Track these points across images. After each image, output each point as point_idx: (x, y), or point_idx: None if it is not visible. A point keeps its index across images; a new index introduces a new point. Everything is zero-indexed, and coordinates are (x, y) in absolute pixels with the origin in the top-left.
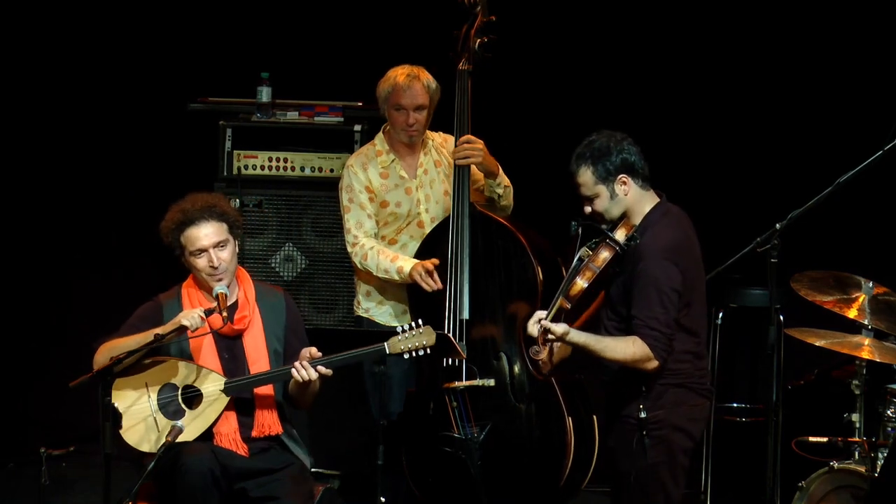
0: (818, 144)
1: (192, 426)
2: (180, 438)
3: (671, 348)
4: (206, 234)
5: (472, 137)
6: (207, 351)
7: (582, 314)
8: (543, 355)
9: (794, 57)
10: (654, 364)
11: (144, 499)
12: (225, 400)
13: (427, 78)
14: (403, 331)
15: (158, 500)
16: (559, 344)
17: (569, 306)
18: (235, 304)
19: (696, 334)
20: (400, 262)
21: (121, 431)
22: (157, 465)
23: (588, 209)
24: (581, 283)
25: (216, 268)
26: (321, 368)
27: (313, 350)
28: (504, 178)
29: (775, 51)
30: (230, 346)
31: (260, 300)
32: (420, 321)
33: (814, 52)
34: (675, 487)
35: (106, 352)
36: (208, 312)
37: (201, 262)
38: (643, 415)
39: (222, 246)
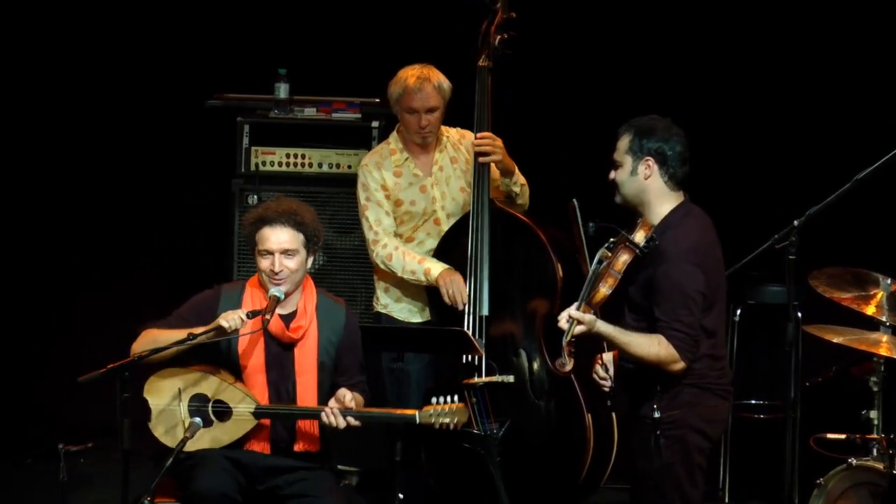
0: (836, 141)
1: (215, 436)
2: (198, 442)
3: (697, 350)
4: (276, 238)
5: (491, 134)
6: (255, 355)
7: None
8: (569, 367)
9: (813, 53)
10: (681, 366)
11: (162, 495)
12: (253, 422)
13: (438, 78)
14: (438, 403)
15: (176, 497)
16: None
17: (592, 313)
18: (294, 313)
19: (714, 335)
20: (428, 264)
21: (149, 424)
22: (174, 461)
23: (612, 174)
24: (604, 290)
25: (276, 273)
26: (351, 420)
27: (347, 399)
28: (520, 177)
29: (794, 48)
30: (279, 354)
31: (320, 311)
32: (456, 397)
33: (833, 49)
34: (693, 488)
35: (144, 341)
36: (252, 315)
37: (264, 263)
38: (657, 414)
39: (290, 255)
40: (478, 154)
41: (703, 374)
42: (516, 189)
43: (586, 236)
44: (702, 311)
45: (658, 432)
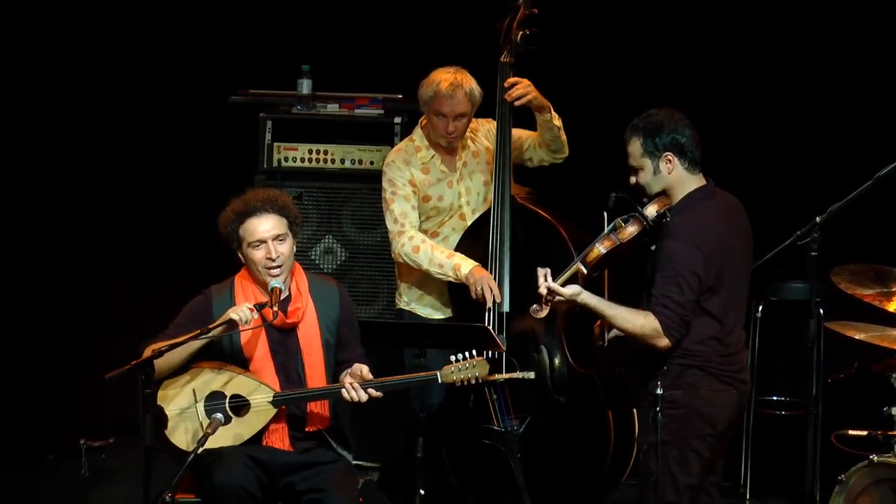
0: (858, 138)
1: (236, 433)
2: (220, 440)
3: (686, 330)
4: (265, 226)
5: (517, 78)
6: (259, 344)
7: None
8: (543, 314)
9: (837, 50)
10: (665, 342)
11: (183, 490)
12: (273, 411)
13: (470, 85)
14: (457, 360)
15: (197, 493)
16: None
17: (585, 272)
18: (289, 297)
19: (721, 320)
20: (457, 259)
21: (166, 432)
22: (195, 456)
23: (633, 180)
24: (599, 249)
25: (273, 260)
26: (372, 391)
27: (365, 371)
28: (555, 115)
29: (818, 44)
30: (283, 339)
31: (313, 291)
32: (474, 352)
33: (856, 45)
34: (683, 473)
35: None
36: (259, 307)
37: (258, 255)
38: (659, 391)
39: (281, 239)
40: (513, 100)
41: (707, 358)
42: (558, 123)
43: (614, 207)
44: (696, 293)
45: (658, 409)
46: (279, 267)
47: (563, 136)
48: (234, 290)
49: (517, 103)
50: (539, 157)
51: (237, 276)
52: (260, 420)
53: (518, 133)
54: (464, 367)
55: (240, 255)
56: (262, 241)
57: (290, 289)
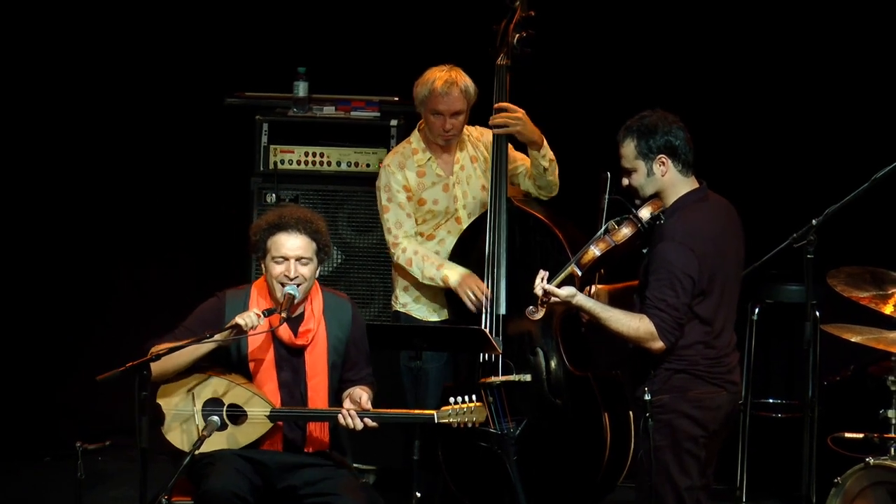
0: (855, 140)
1: (231, 440)
2: (215, 445)
3: (680, 332)
4: (292, 244)
5: (511, 105)
6: (265, 358)
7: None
8: (539, 315)
9: (833, 53)
10: (660, 345)
11: (179, 493)
12: (268, 425)
13: (465, 81)
14: (455, 402)
15: (193, 495)
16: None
17: (580, 274)
18: (301, 316)
19: (709, 324)
20: (445, 270)
21: (162, 429)
22: (191, 460)
23: (626, 181)
24: (594, 251)
25: (291, 279)
26: (368, 421)
27: (364, 399)
28: (549, 151)
29: (814, 47)
30: (290, 358)
31: (327, 312)
32: (474, 396)
33: (852, 48)
34: (682, 475)
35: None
36: (268, 312)
37: (278, 269)
38: (647, 397)
39: (304, 262)
40: (493, 127)
41: (693, 361)
42: (545, 164)
43: (607, 209)
44: (690, 295)
45: (647, 415)
46: (297, 286)
47: (552, 178)
48: (249, 297)
49: (496, 132)
50: (526, 187)
51: (254, 284)
52: (256, 431)
53: (514, 156)
54: (461, 411)
55: (262, 265)
56: (285, 259)
57: (304, 308)
